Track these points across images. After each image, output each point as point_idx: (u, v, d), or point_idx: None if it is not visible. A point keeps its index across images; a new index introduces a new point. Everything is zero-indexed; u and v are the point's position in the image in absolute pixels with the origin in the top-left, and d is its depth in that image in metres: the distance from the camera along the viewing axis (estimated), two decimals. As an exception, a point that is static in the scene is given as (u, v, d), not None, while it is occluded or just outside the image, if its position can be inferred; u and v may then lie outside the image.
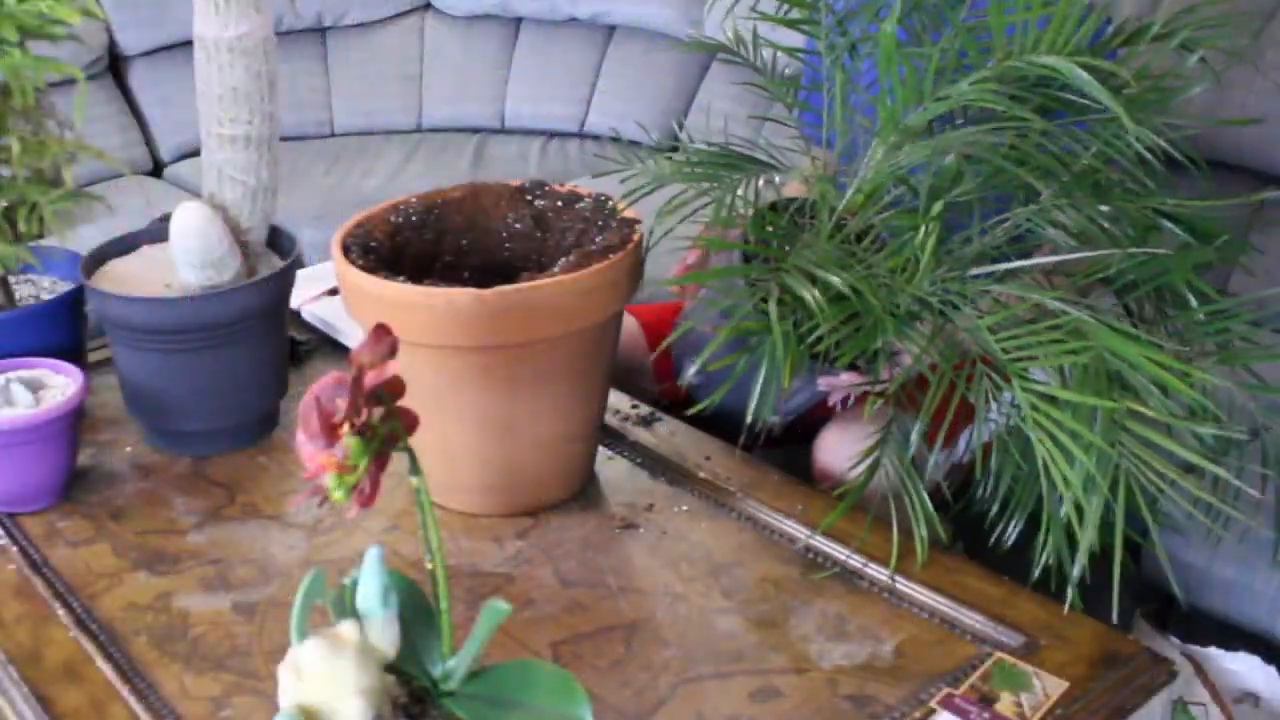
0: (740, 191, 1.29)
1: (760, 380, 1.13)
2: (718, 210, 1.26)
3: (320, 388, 0.87)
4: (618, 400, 1.49)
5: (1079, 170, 1.20)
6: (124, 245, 1.50)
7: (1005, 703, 1.03)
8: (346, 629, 0.91)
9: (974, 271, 1.19)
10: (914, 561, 1.19)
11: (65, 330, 1.47)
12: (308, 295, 1.73)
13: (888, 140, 1.21)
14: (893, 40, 1.18)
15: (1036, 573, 1.11)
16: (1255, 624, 1.50)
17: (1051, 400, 1.08)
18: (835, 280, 1.12)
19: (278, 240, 1.50)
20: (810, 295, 1.11)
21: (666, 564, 1.24)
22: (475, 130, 3.29)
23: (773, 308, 1.11)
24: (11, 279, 1.52)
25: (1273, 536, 1.46)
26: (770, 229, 1.25)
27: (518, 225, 1.40)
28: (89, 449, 1.45)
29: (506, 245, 1.41)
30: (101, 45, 3.08)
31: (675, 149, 3.27)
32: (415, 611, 0.96)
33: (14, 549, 1.28)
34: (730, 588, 1.20)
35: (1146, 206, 1.23)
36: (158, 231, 1.48)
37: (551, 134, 3.24)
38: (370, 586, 0.92)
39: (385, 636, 0.92)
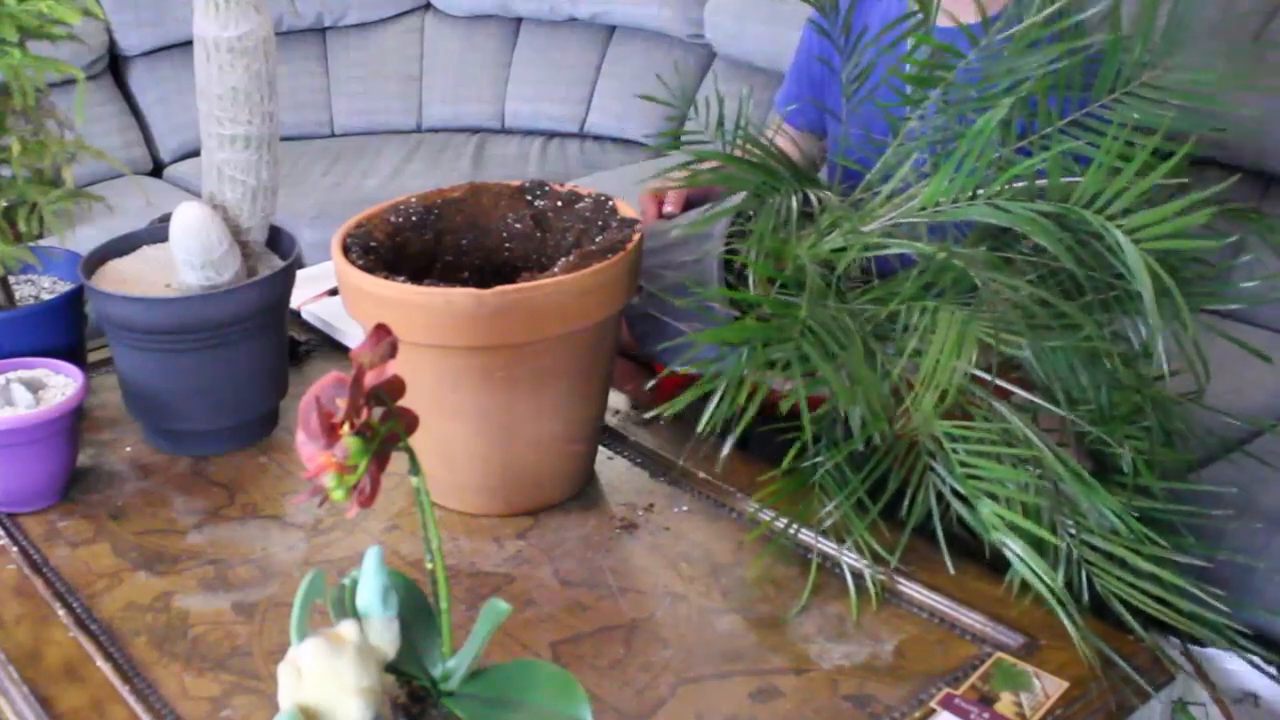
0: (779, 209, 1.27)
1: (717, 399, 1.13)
2: (762, 229, 1.23)
3: (320, 388, 0.87)
4: (618, 400, 1.49)
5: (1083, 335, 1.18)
6: (124, 245, 1.50)
7: (1005, 703, 1.03)
8: (346, 629, 0.90)
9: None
10: (913, 561, 1.19)
11: (65, 330, 1.47)
12: (308, 295, 1.73)
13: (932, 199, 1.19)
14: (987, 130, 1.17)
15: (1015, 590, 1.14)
16: (1255, 624, 1.50)
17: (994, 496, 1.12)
18: (841, 355, 1.11)
19: (278, 240, 1.50)
20: (834, 378, 1.10)
21: (666, 564, 1.24)
22: (475, 130, 3.29)
23: (801, 389, 1.09)
24: (11, 279, 1.52)
25: (1272, 536, 1.46)
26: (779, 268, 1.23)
27: (518, 225, 1.40)
28: (89, 449, 1.45)
29: (506, 245, 1.41)
30: (101, 45, 3.09)
31: (675, 150, 3.27)
32: (415, 611, 0.96)
33: (14, 549, 1.28)
34: (730, 588, 1.20)
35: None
36: (158, 231, 1.48)
37: (551, 134, 3.24)
38: (370, 586, 0.92)
39: (385, 636, 0.92)
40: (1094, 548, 1.13)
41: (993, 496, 1.12)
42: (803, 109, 1.79)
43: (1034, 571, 1.09)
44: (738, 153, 1.34)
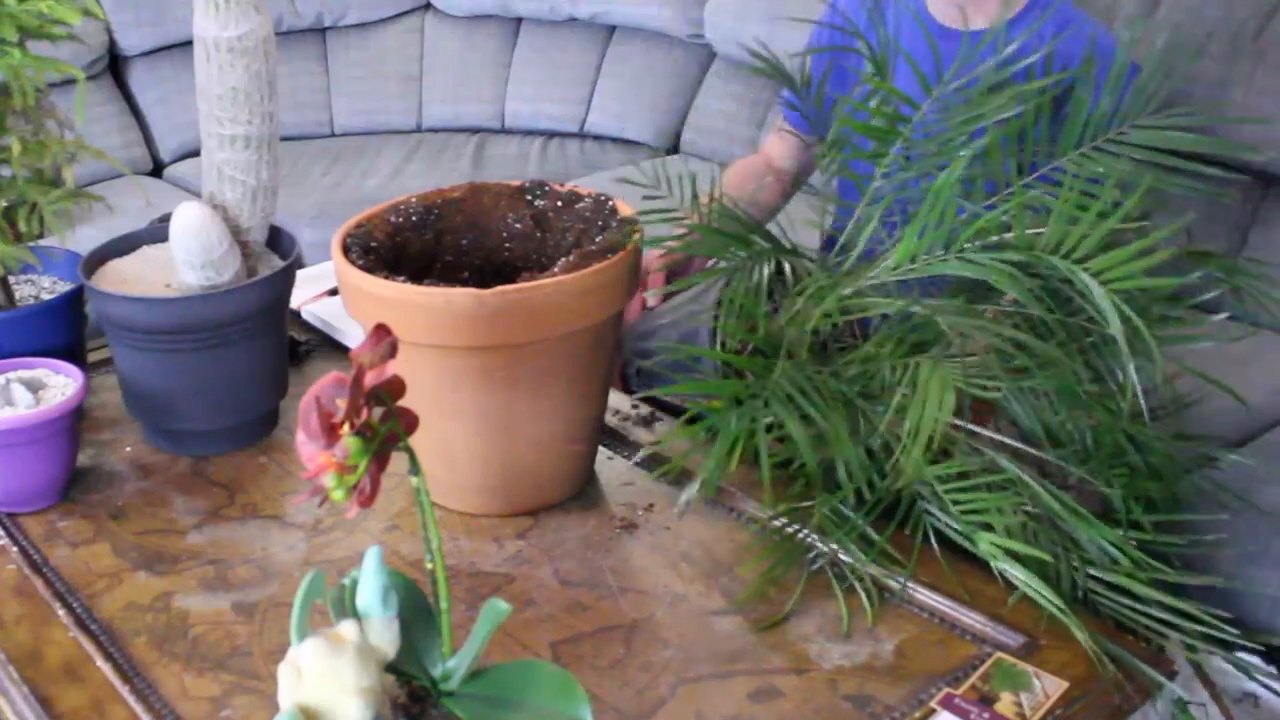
0: (752, 276, 1.29)
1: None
2: (733, 295, 1.26)
3: (320, 388, 0.87)
4: (618, 400, 1.49)
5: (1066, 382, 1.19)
6: (124, 245, 1.50)
7: (1005, 703, 1.03)
8: (346, 629, 0.90)
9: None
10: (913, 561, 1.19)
11: (65, 330, 1.47)
12: (308, 295, 1.73)
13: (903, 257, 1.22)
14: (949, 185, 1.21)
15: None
16: (1255, 623, 1.50)
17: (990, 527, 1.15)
18: (816, 416, 1.14)
19: (278, 240, 1.50)
20: (798, 433, 1.13)
21: (666, 564, 1.24)
22: (475, 130, 3.29)
23: (763, 444, 1.12)
24: (11, 279, 1.52)
25: (1272, 537, 1.46)
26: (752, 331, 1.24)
27: (518, 225, 1.40)
28: (89, 449, 1.45)
29: (506, 245, 1.41)
30: (101, 45, 3.09)
31: (675, 151, 3.27)
32: (415, 611, 0.96)
33: (14, 549, 1.28)
34: (730, 588, 1.20)
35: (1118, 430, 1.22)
36: (158, 231, 1.48)
37: (551, 134, 3.24)
38: (370, 586, 0.92)
39: (385, 636, 0.92)
40: (1096, 578, 1.15)
41: (988, 527, 1.14)
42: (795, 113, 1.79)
43: (1041, 595, 1.11)
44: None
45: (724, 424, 1.14)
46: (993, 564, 1.14)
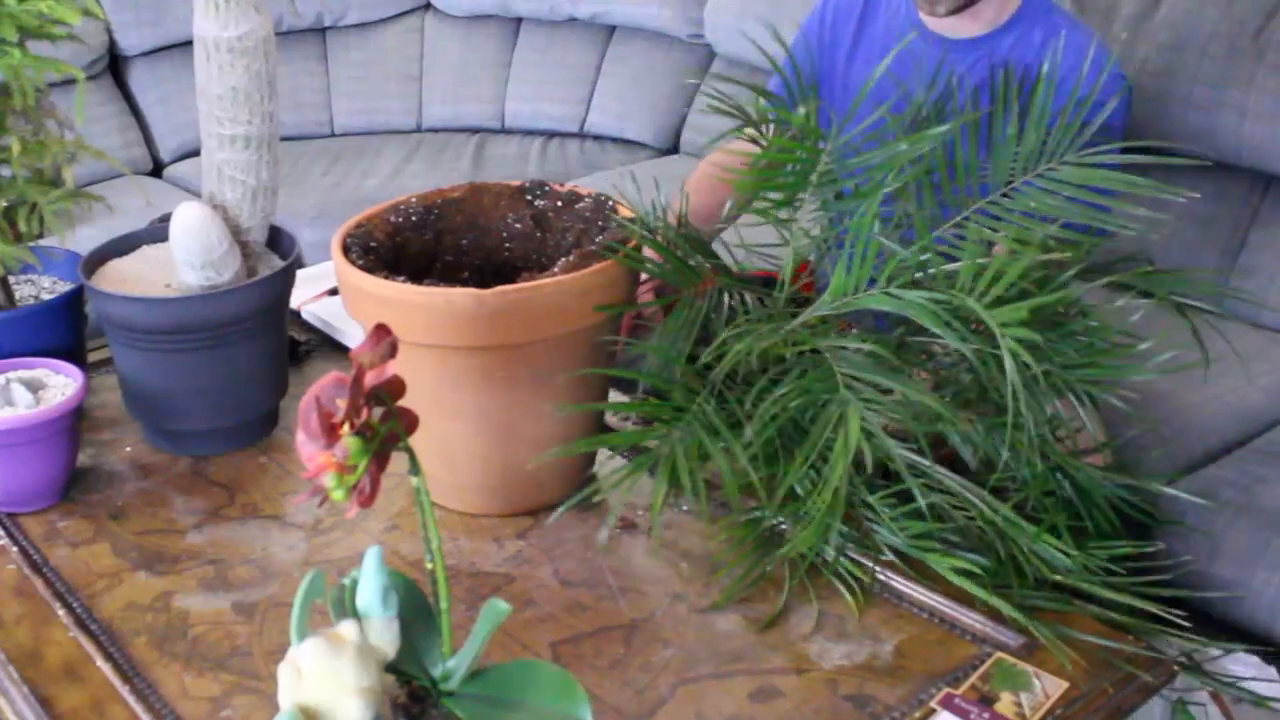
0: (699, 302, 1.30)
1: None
2: (671, 329, 1.28)
3: (320, 388, 0.87)
4: (618, 400, 1.49)
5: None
6: (124, 245, 1.50)
7: (1005, 703, 1.03)
8: (346, 629, 0.90)
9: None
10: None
11: (65, 330, 1.47)
12: (308, 295, 1.73)
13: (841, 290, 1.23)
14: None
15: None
16: (1255, 624, 1.50)
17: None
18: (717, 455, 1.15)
19: (278, 240, 1.50)
20: (684, 472, 1.14)
21: (666, 564, 1.24)
22: (475, 130, 3.29)
23: (683, 471, 1.14)
24: (11, 279, 1.52)
25: (1272, 536, 1.46)
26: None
27: (518, 225, 1.41)
28: (89, 449, 1.45)
29: (506, 245, 1.41)
30: (101, 45, 3.08)
31: (675, 151, 3.27)
32: (415, 611, 0.96)
33: (14, 549, 1.28)
34: (730, 588, 1.19)
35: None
36: (158, 231, 1.48)
37: (551, 134, 3.24)
38: (370, 586, 0.92)
39: (385, 636, 0.92)
40: (1055, 585, 1.16)
41: (944, 542, 1.16)
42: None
43: (1005, 605, 1.12)
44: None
45: (655, 452, 1.17)
46: (952, 580, 1.15)
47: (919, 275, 1.21)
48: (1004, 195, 1.33)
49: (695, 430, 1.17)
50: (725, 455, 1.15)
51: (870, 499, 1.19)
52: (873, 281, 1.21)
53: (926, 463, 1.17)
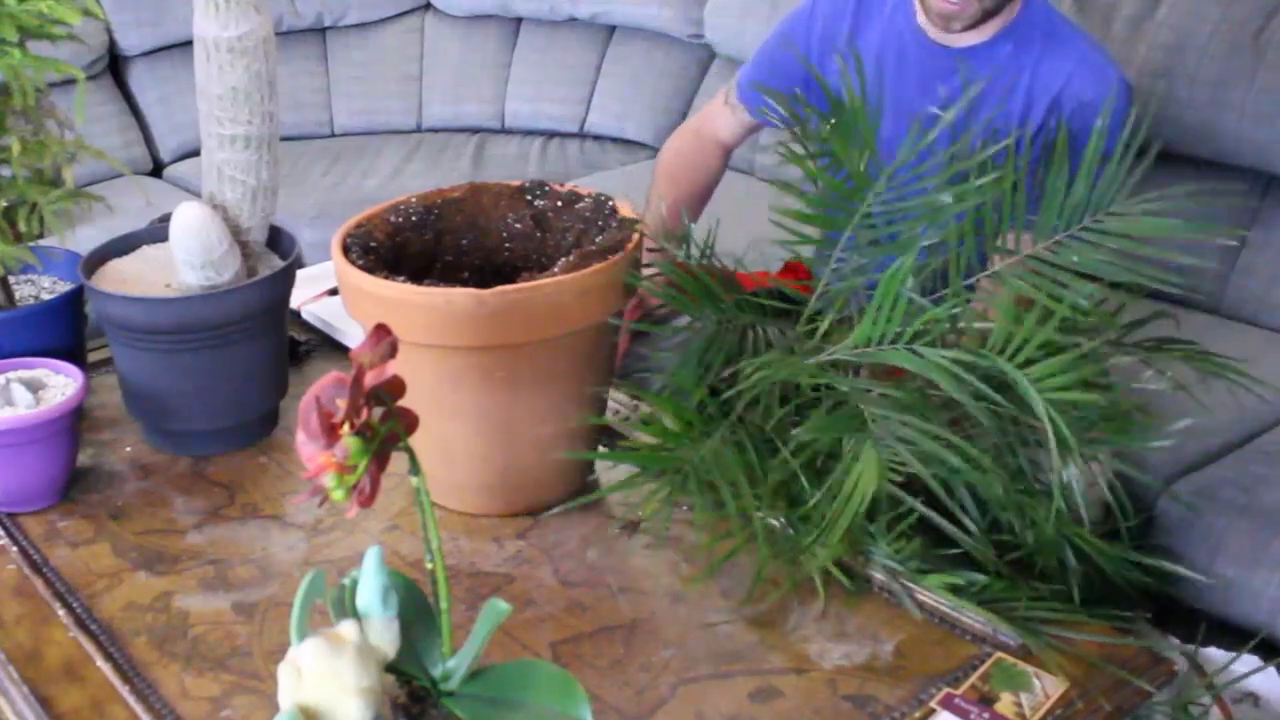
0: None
1: None
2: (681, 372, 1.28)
3: (320, 388, 0.87)
4: (618, 400, 1.49)
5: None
6: (124, 245, 1.50)
7: (1005, 703, 1.03)
8: (346, 629, 0.90)
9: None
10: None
11: (65, 330, 1.47)
12: (308, 295, 1.73)
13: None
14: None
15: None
16: (1255, 624, 1.50)
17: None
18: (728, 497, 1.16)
19: (278, 240, 1.50)
20: (700, 508, 1.16)
21: (666, 564, 1.24)
22: (475, 130, 3.28)
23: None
24: (11, 279, 1.52)
25: (1272, 536, 1.46)
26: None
27: (518, 225, 1.40)
28: (89, 449, 1.45)
29: (506, 245, 1.41)
30: (101, 45, 3.08)
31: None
32: (415, 611, 0.96)
33: (14, 549, 1.28)
34: (730, 588, 1.19)
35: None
36: (158, 231, 1.48)
37: (551, 134, 3.24)
38: (370, 586, 0.92)
39: (385, 636, 0.92)
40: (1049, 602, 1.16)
41: (940, 558, 1.17)
42: (756, 96, 1.77)
43: (1002, 620, 1.12)
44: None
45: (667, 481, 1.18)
46: (948, 600, 1.15)
47: (948, 333, 1.20)
48: (1048, 249, 1.29)
49: (721, 450, 1.17)
50: (745, 479, 1.16)
51: (870, 528, 1.19)
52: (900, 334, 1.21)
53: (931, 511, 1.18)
